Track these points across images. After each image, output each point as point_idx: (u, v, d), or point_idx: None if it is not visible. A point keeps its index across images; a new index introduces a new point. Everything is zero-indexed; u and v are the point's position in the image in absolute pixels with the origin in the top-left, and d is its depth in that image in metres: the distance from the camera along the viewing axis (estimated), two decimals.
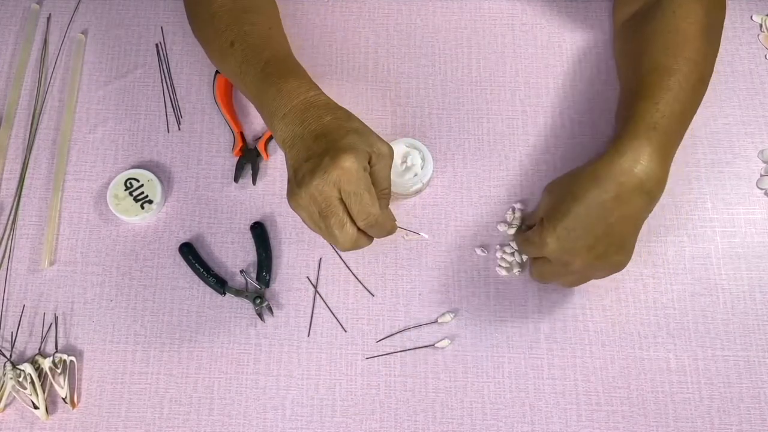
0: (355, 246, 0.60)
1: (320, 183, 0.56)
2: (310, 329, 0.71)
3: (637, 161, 0.62)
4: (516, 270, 0.72)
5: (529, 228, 0.69)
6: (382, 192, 0.61)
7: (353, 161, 0.56)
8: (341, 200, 0.57)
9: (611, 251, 0.63)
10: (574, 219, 0.62)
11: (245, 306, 0.72)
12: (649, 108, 0.65)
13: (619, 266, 0.64)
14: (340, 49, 0.81)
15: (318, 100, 0.62)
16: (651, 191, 0.63)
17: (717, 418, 0.67)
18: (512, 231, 0.73)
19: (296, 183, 0.58)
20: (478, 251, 0.72)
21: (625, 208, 0.62)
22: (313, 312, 0.71)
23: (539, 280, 0.69)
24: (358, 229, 0.59)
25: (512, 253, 0.72)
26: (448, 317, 0.70)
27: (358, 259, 0.73)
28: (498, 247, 0.73)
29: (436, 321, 0.71)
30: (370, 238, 0.62)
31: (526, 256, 0.71)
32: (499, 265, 0.72)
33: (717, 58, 0.71)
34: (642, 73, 0.69)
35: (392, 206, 0.74)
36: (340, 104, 0.63)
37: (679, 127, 0.66)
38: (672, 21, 0.69)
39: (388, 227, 0.61)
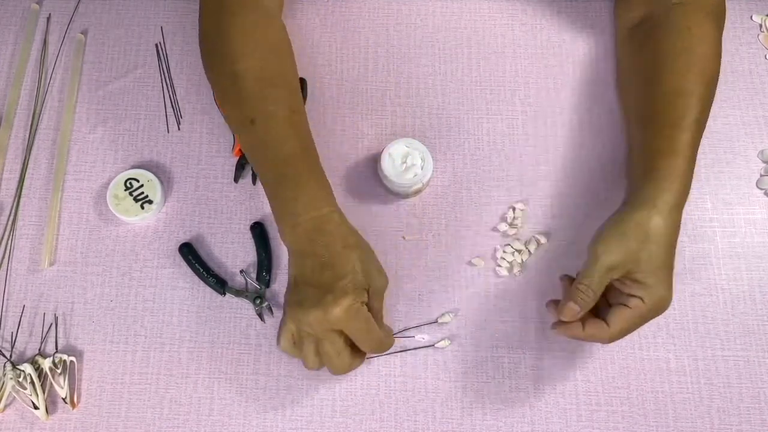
0: (350, 370, 0.64)
1: (320, 317, 0.59)
2: None
3: (663, 215, 0.63)
4: (516, 270, 0.72)
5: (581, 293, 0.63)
6: (376, 317, 0.64)
7: (353, 302, 0.60)
8: (340, 331, 0.61)
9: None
10: (661, 261, 0.62)
11: (245, 306, 0.72)
12: (671, 159, 0.64)
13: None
14: (340, 49, 0.81)
15: (330, 221, 0.63)
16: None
17: (717, 418, 0.67)
18: (513, 231, 0.73)
19: (296, 300, 0.62)
20: (474, 261, 0.72)
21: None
22: None
23: (617, 337, 0.63)
24: (351, 352, 0.63)
25: (512, 253, 0.72)
26: (448, 317, 0.70)
27: None
28: (498, 247, 0.73)
29: (436, 321, 0.71)
30: (363, 357, 0.65)
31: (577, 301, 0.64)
32: (499, 265, 0.72)
33: None
34: (661, 94, 0.68)
35: (392, 206, 0.74)
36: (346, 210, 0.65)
37: (694, 155, 0.66)
38: (688, 39, 0.69)
39: (389, 344, 0.65)
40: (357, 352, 0.64)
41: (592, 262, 0.62)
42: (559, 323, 0.64)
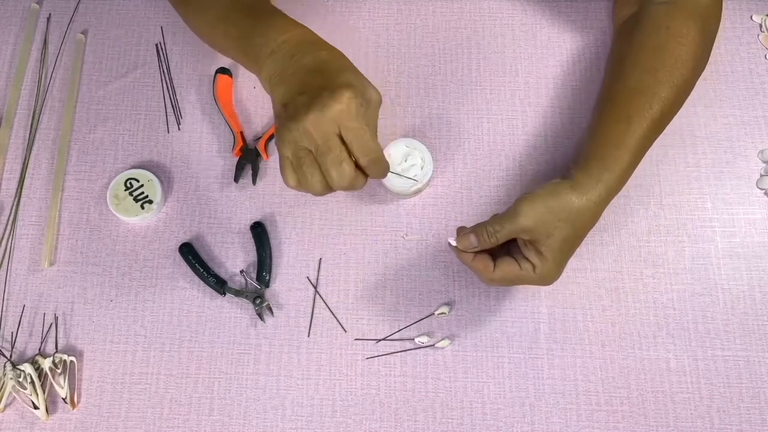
0: (351, 185, 0.57)
1: (318, 117, 0.54)
2: (310, 329, 0.71)
3: (592, 200, 0.64)
4: None
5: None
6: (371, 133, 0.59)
7: (353, 97, 0.55)
8: (339, 136, 0.56)
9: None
10: (568, 245, 0.64)
11: (245, 306, 0.72)
12: (618, 151, 0.65)
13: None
14: (339, 49, 0.81)
15: (310, 36, 0.61)
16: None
17: (717, 418, 0.67)
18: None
19: (287, 117, 0.56)
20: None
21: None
22: (313, 312, 0.71)
23: (496, 283, 0.65)
24: (355, 167, 0.57)
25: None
26: (444, 309, 0.70)
27: (359, 258, 0.73)
28: None
29: (433, 314, 0.71)
30: (365, 178, 0.59)
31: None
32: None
33: (717, 58, 0.71)
34: (623, 88, 0.68)
35: (392, 206, 0.75)
36: None
37: (636, 160, 0.67)
38: (664, 38, 0.68)
39: (385, 165, 0.59)
40: (359, 172, 0.58)
41: (510, 216, 0.63)
42: (455, 245, 0.65)
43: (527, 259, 0.63)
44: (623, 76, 0.69)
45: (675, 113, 0.68)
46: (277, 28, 0.61)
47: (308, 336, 0.71)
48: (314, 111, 0.54)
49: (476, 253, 0.64)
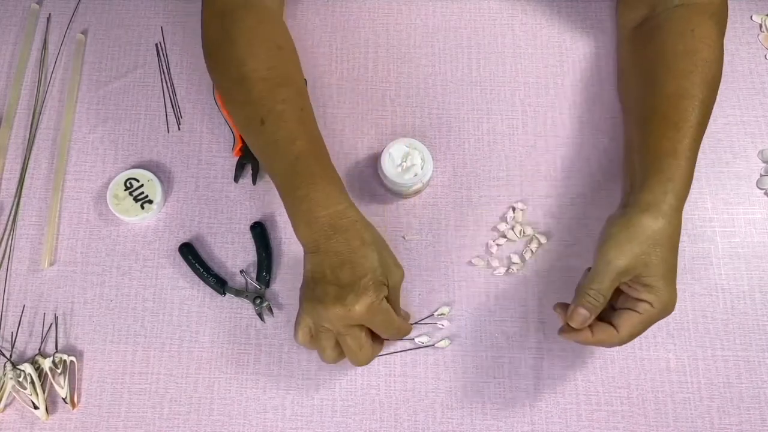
0: (371, 360, 0.64)
1: (343, 312, 0.60)
2: None
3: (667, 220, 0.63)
4: (516, 269, 0.72)
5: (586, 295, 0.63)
6: (394, 307, 0.64)
7: (375, 298, 0.60)
8: (360, 325, 0.62)
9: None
10: (668, 265, 0.62)
11: (245, 306, 0.72)
12: (676, 160, 0.64)
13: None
14: (340, 49, 0.81)
15: (346, 216, 0.63)
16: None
17: (717, 418, 0.67)
18: (511, 234, 0.73)
19: (314, 297, 0.61)
20: (474, 261, 0.72)
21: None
22: None
23: (627, 341, 0.63)
24: (371, 342, 0.64)
25: (512, 253, 0.72)
26: (444, 309, 0.70)
27: None
28: (497, 245, 0.73)
29: (432, 315, 0.71)
30: (382, 346, 0.66)
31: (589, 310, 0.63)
32: (498, 266, 0.72)
33: None
34: (662, 96, 0.68)
35: (392, 206, 0.75)
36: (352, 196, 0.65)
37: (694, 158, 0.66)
38: (691, 41, 0.69)
39: (408, 329, 0.67)
40: (376, 341, 0.65)
41: (601, 267, 0.62)
42: (567, 329, 0.63)
43: (640, 300, 0.61)
44: (658, 84, 0.69)
45: (711, 112, 0.68)
46: (319, 201, 0.63)
47: None
48: (339, 307, 0.59)
49: (591, 326, 0.63)
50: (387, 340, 0.67)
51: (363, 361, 0.63)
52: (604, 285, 0.61)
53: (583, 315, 0.62)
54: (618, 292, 0.63)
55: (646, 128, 0.68)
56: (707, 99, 0.67)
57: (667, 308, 0.62)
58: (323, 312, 0.60)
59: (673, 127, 0.65)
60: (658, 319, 0.62)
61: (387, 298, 0.63)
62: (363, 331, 0.62)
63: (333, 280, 0.61)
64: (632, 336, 0.62)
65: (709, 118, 0.68)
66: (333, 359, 0.63)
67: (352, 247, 0.61)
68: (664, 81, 0.68)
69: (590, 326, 0.63)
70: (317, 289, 0.61)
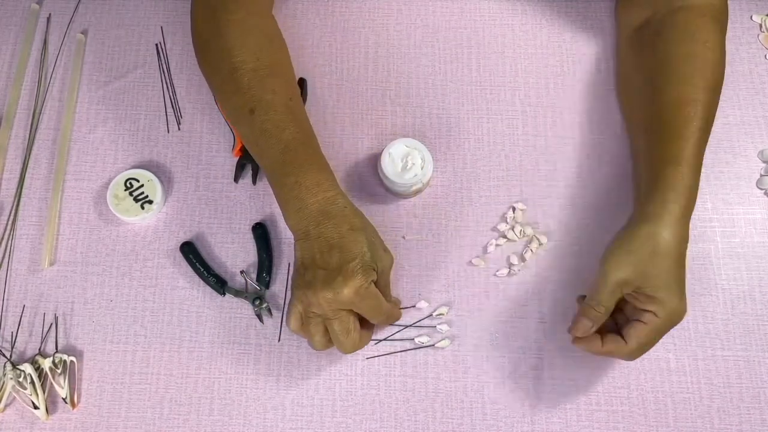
0: (358, 348, 0.64)
1: (332, 296, 0.60)
2: None
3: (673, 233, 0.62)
4: (516, 269, 0.72)
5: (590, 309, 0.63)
6: (384, 293, 0.65)
7: (363, 281, 0.60)
8: (349, 310, 0.62)
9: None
10: (672, 274, 0.62)
11: (245, 306, 0.72)
12: (678, 167, 0.64)
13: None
14: (340, 49, 0.81)
15: (335, 203, 0.64)
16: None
17: (717, 418, 0.67)
18: (511, 234, 0.73)
19: (305, 282, 0.62)
20: (474, 261, 0.72)
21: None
22: None
23: (636, 352, 0.63)
24: (360, 328, 0.64)
25: (512, 253, 0.72)
26: (444, 309, 0.70)
27: None
28: (496, 245, 0.73)
29: (432, 315, 0.71)
30: (371, 334, 0.67)
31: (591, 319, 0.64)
32: (499, 265, 0.72)
33: None
34: (664, 103, 0.67)
35: (392, 206, 0.75)
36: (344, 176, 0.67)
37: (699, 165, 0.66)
38: (692, 45, 0.68)
39: (397, 315, 0.68)
40: (365, 328, 0.65)
41: (600, 279, 0.62)
42: (578, 338, 0.64)
43: (645, 311, 0.62)
44: (660, 90, 0.68)
45: (715, 115, 0.68)
46: (308, 188, 0.64)
47: None
48: (328, 291, 0.60)
49: (603, 337, 0.63)
50: (377, 326, 0.67)
51: (349, 348, 0.63)
52: (603, 296, 0.62)
53: (584, 324, 0.63)
54: (628, 304, 0.64)
55: (649, 135, 0.68)
56: (710, 103, 0.67)
57: (673, 318, 0.62)
58: (312, 296, 0.61)
59: (676, 134, 0.65)
60: (667, 329, 0.62)
61: (376, 283, 0.63)
62: (351, 316, 0.62)
63: (322, 264, 0.61)
64: (641, 347, 0.62)
65: (712, 122, 0.67)
66: (322, 345, 0.64)
67: (341, 232, 0.62)
68: (666, 86, 0.68)
69: (601, 337, 0.63)
70: (307, 275, 0.62)
